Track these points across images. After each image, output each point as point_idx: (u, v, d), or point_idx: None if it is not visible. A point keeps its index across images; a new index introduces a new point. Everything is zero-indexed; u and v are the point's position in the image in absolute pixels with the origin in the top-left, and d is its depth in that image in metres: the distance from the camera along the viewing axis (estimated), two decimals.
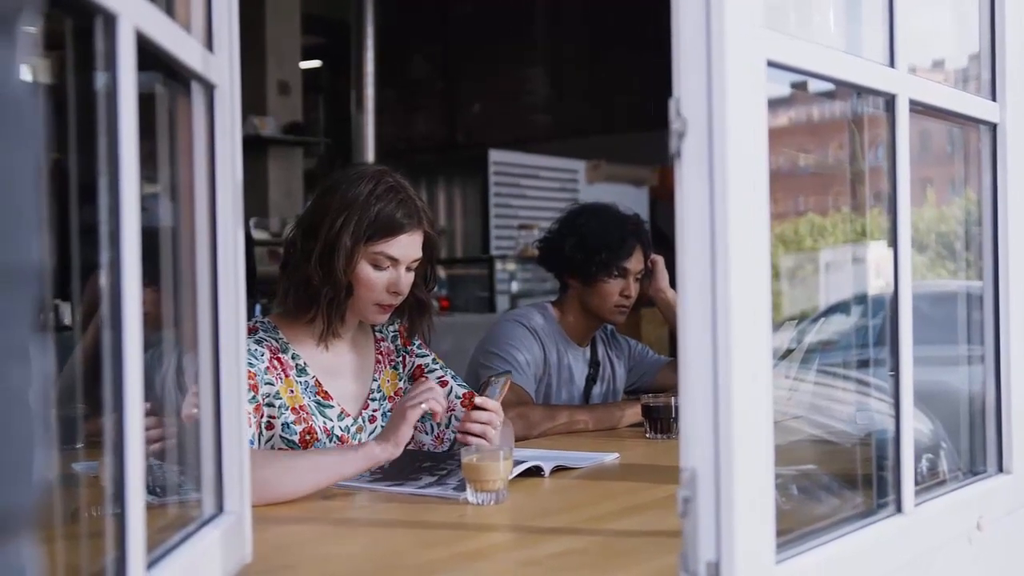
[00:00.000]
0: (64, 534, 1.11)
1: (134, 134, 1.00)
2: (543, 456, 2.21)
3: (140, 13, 1.03)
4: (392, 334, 2.42)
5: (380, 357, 2.37)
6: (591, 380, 3.14)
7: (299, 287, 2.20)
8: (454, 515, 1.80)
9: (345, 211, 2.16)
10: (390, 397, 2.35)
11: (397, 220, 2.18)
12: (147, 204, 1.07)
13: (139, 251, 1.00)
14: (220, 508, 1.36)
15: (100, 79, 0.99)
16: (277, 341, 2.22)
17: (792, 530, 1.32)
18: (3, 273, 0.51)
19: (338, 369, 2.29)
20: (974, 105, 1.78)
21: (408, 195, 2.22)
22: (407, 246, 2.21)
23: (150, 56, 1.09)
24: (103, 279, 0.99)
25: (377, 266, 2.19)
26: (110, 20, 0.98)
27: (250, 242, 3.75)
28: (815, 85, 1.57)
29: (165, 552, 1.15)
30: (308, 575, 1.51)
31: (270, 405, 2.13)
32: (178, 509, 1.41)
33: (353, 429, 2.26)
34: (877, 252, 1.91)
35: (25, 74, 0.57)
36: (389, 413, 2.31)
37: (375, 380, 2.34)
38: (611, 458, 2.35)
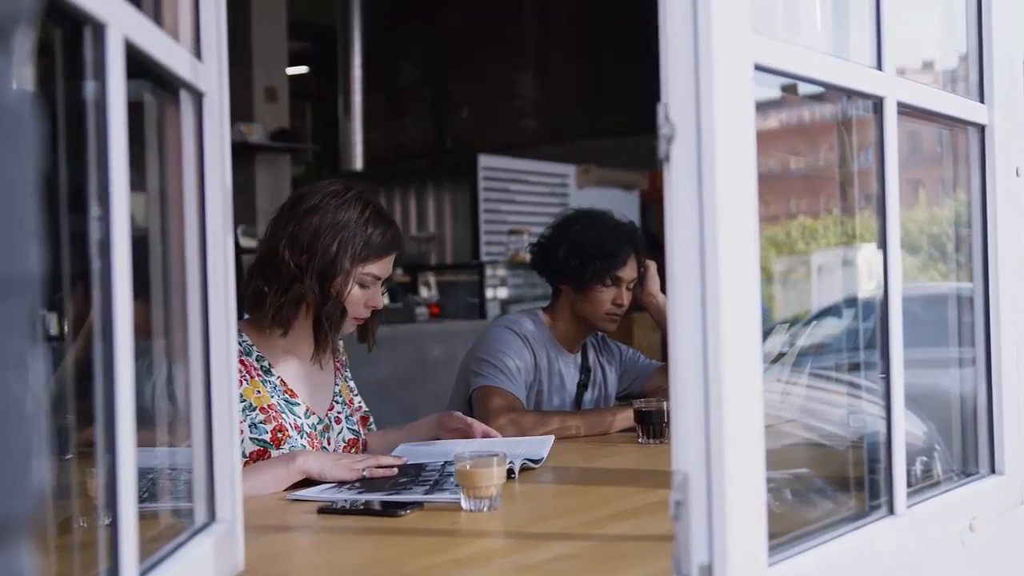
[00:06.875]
0: (55, 545, 1.11)
1: (124, 142, 1.00)
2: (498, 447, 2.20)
3: (129, 22, 1.03)
4: (342, 347, 2.54)
5: (339, 366, 2.49)
6: (582, 386, 3.13)
7: (293, 304, 2.26)
8: (448, 522, 1.80)
9: (339, 234, 2.25)
10: (348, 402, 2.47)
11: (388, 244, 2.31)
12: (134, 213, 1.07)
13: (130, 260, 1.00)
14: (212, 517, 1.36)
15: (89, 87, 0.99)
16: (241, 344, 2.26)
17: (785, 532, 1.32)
18: (2, 282, 0.52)
19: (302, 374, 2.36)
20: (962, 107, 1.78)
21: (391, 218, 2.36)
22: (390, 265, 2.35)
23: (137, 64, 1.09)
24: (94, 288, 0.99)
25: (363, 285, 2.30)
26: (99, 29, 0.97)
27: (238, 250, 3.78)
28: (805, 88, 1.58)
29: (158, 561, 1.15)
30: None
31: None
32: (169, 518, 1.41)
33: (320, 428, 2.35)
34: (868, 255, 1.91)
35: (22, 83, 0.57)
36: (350, 418, 2.44)
37: (336, 385, 2.45)
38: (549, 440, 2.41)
